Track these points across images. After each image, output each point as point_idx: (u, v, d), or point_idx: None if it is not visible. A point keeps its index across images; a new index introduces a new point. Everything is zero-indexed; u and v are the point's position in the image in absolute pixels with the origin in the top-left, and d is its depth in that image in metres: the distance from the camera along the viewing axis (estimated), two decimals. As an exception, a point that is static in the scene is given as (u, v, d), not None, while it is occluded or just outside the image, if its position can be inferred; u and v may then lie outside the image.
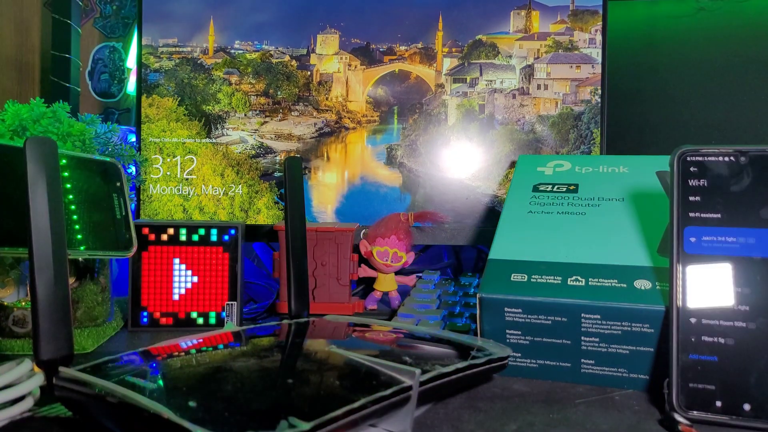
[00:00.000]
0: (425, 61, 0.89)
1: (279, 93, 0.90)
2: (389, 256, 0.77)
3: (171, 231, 0.70)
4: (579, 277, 0.53)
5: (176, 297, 0.70)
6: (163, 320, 0.70)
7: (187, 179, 0.88)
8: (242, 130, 0.90)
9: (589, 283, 0.53)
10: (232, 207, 0.88)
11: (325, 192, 0.89)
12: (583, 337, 0.51)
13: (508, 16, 0.88)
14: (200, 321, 0.70)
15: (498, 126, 0.88)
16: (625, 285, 0.52)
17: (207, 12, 0.90)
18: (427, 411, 0.46)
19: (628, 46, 1.03)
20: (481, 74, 0.88)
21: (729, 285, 0.46)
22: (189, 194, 0.88)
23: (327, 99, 0.90)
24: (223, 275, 0.70)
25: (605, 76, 0.86)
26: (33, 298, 0.42)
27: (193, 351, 0.48)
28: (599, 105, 0.86)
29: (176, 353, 0.47)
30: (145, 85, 0.89)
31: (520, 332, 0.53)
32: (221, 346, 0.50)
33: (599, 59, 0.86)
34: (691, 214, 0.47)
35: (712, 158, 0.48)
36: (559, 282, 0.53)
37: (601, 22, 0.86)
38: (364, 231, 0.80)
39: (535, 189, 0.65)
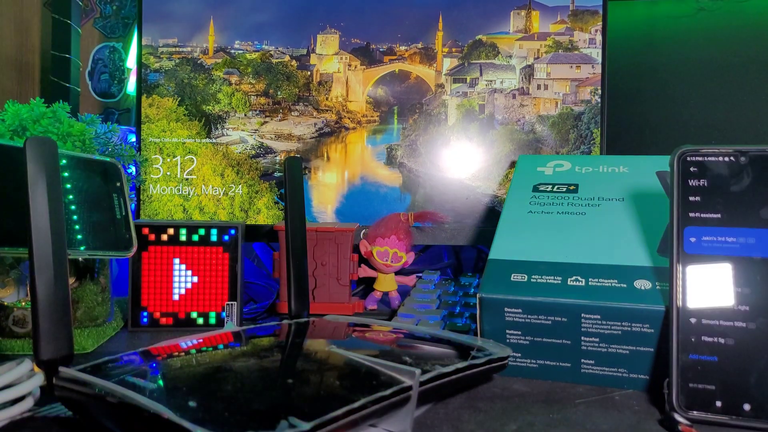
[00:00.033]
0: (425, 61, 0.89)
1: (279, 93, 0.90)
2: (389, 256, 0.77)
3: (171, 231, 0.70)
4: (579, 277, 0.53)
5: (176, 297, 0.70)
6: (163, 320, 0.70)
7: (187, 179, 0.88)
8: (242, 130, 0.90)
9: (589, 283, 0.53)
10: (232, 207, 0.88)
11: (325, 192, 0.89)
12: (583, 337, 0.51)
13: (508, 16, 0.88)
14: (200, 321, 0.70)
15: (498, 126, 0.88)
16: (625, 285, 0.52)
17: (207, 12, 0.90)
18: (427, 411, 0.46)
19: (628, 46, 1.03)
20: (481, 74, 0.88)
21: (729, 285, 0.46)
22: (189, 194, 0.88)
23: (327, 99, 0.90)
24: (223, 275, 0.70)
25: (605, 76, 0.86)
26: (33, 298, 0.42)
27: (193, 351, 0.48)
28: (599, 105, 0.86)
29: (176, 353, 0.47)
30: (145, 85, 0.89)
31: (520, 332, 0.53)
32: (221, 346, 0.50)
33: (599, 59, 0.86)
34: (691, 214, 0.47)
35: (712, 158, 0.48)
36: (559, 282, 0.53)
37: (601, 22, 0.86)
38: (364, 231, 0.80)
39: (535, 189, 0.65)
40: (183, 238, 0.70)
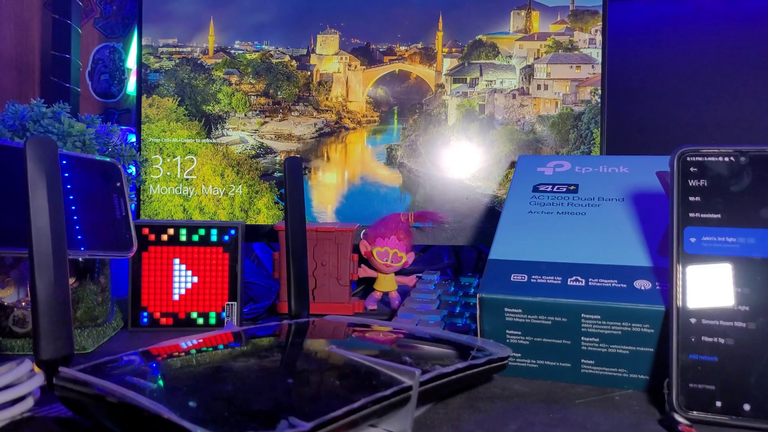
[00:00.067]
0: (425, 61, 0.89)
1: (279, 93, 0.90)
2: (389, 256, 0.77)
3: (171, 231, 0.70)
4: (579, 277, 0.53)
5: (176, 297, 0.70)
6: (163, 320, 0.70)
7: (187, 179, 0.88)
8: (242, 130, 0.90)
9: (589, 283, 0.53)
10: (232, 207, 0.88)
11: (325, 192, 0.89)
12: (583, 338, 0.51)
13: (508, 16, 0.88)
14: (200, 321, 0.70)
15: (498, 126, 0.88)
16: (625, 285, 0.52)
17: (207, 12, 0.90)
18: (427, 411, 0.46)
19: (628, 46, 1.03)
20: (481, 74, 0.88)
21: (729, 285, 0.46)
22: (189, 194, 0.88)
23: (327, 99, 0.90)
24: (223, 275, 0.70)
25: (605, 76, 0.86)
26: (33, 298, 0.42)
27: (193, 351, 0.48)
28: (599, 105, 0.86)
29: (176, 353, 0.47)
30: (145, 86, 0.89)
31: (520, 332, 0.53)
32: (221, 346, 0.50)
33: (599, 59, 0.86)
34: (691, 214, 0.47)
35: (712, 158, 0.48)
36: (559, 282, 0.53)
37: (601, 22, 0.86)
38: (364, 231, 0.80)
39: (535, 189, 0.65)
40: (183, 238, 0.70)
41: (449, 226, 0.86)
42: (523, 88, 0.88)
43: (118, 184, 0.64)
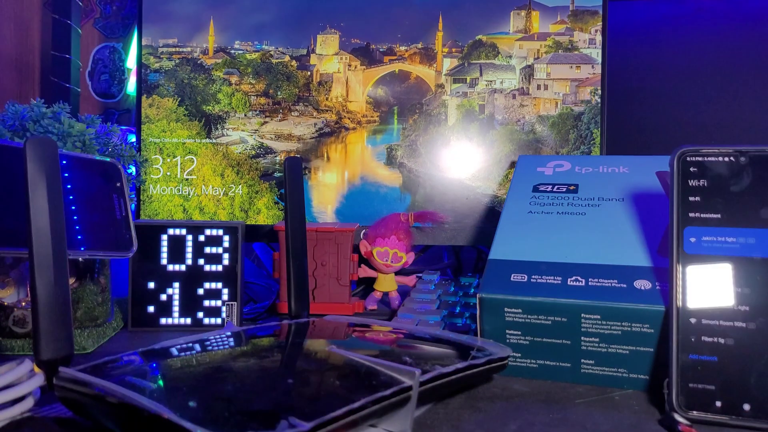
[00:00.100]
0: (425, 61, 0.89)
1: (279, 93, 0.90)
2: (389, 256, 0.77)
3: (171, 231, 0.70)
4: (579, 277, 0.53)
5: (176, 297, 0.70)
6: (163, 320, 0.70)
7: (187, 179, 0.88)
8: (242, 130, 0.90)
9: (589, 283, 0.53)
10: (232, 207, 0.88)
11: (325, 192, 0.89)
12: (583, 337, 0.51)
13: (508, 17, 0.88)
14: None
15: (498, 126, 0.88)
16: (625, 285, 0.52)
17: (207, 12, 0.90)
18: (427, 411, 0.46)
19: (628, 46, 1.03)
20: (481, 74, 0.88)
21: (729, 285, 0.46)
22: (189, 194, 0.88)
23: (327, 99, 0.90)
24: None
25: (605, 76, 0.86)
26: (33, 298, 0.42)
27: (193, 351, 0.48)
28: (599, 105, 0.86)
29: (176, 353, 0.47)
30: (145, 86, 0.89)
31: (520, 332, 0.53)
32: (221, 346, 0.50)
33: (599, 59, 0.86)
34: (691, 214, 0.47)
35: (712, 158, 0.48)
36: (559, 282, 0.53)
37: (601, 22, 0.86)
38: (364, 231, 0.80)
39: (535, 189, 0.65)
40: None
41: (449, 226, 0.86)
42: (523, 88, 0.88)
43: (118, 184, 0.64)
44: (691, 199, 0.48)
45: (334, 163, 0.89)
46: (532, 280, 0.54)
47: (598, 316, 0.51)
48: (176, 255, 0.69)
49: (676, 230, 0.48)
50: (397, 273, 0.80)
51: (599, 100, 0.86)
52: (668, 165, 0.49)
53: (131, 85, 1.15)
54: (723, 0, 1.01)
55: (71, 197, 0.59)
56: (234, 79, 0.90)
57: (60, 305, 0.43)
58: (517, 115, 0.87)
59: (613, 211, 0.60)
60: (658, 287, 0.51)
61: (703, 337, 0.45)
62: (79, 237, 0.59)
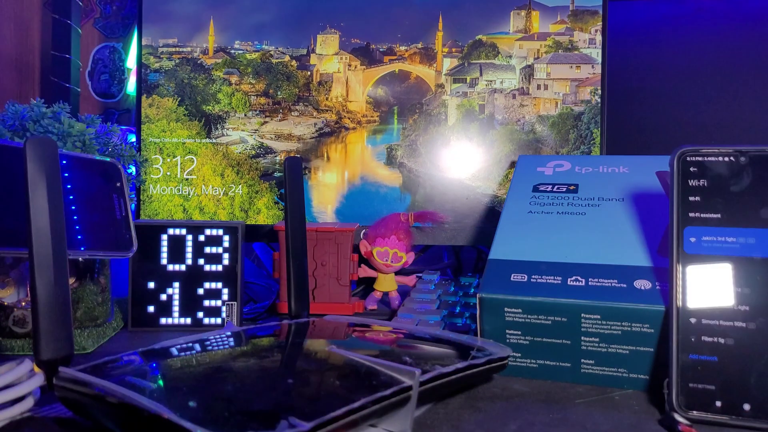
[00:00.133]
0: (425, 61, 0.89)
1: (279, 93, 0.90)
2: (389, 256, 0.77)
3: (171, 231, 0.70)
4: (579, 277, 0.53)
5: (176, 297, 0.70)
6: (163, 320, 0.70)
7: (187, 179, 0.88)
8: (242, 130, 0.90)
9: (589, 283, 0.53)
10: (232, 207, 0.88)
11: (325, 192, 0.89)
12: (583, 337, 0.51)
13: (508, 16, 0.88)
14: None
15: (498, 126, 0.88)
16: (625, 285, 0.52)
17: (207, 12, 0.90)
18: (427, 411, 0.46)
19: (628, 46, 1.03)
20: (481, 74, 0.88)
21: (729, 285, 0.46)
22: (189, 194, 0.88)
23: (327, 99, 0.90)
24: (223, 275, 0.70)
25: (605, 76, 0.86)
26: (33, 298, 0.42)
27: (193, 351, 0.48)
28: (599, 105, 0.86)
29: (176, 353, 0.47)
30: (145, 85, 0.89)
31: (520, 332, 0.53)
32: (221, 346, 0.50)
33: (599, 59, 0.86)
34: (691, 214, 0.47)
35: (712, 158, 0.48)
36: (559, 282, 0.53)
37: (601, 22, 0.86)
38: (364, 231, 0.80)
39: (535, 189, 0.65)
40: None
41: (449, 226, 0.86)
42: (523, 88, 0.88)
43: (118, 184, 0.64)
44: (691, 199, 0.48)
45: (334, 163, 0.89)
46: (532, 280, 0.54)
47: (598, 316, 0.51)
48: (176, 255, 0.69)
49: (676, 230, 0.48)
50: (397, 273, 0.80)
51: (599, 100, 0.86)
52: (668, 165, 0.49)
53: (131, 85, 1.15)
54: (723, 0, 1.01)
55: (71, 197, 0.59)
56: (234, 79, 0.90)
57: (60, 305, 0.43)
58: (517, 115, 0.87)
59: (613, 211, 0.60)
60: (658, 287, 0.51)
61: (703, 337, 0.45)
62: (79, 237, 0.59)
